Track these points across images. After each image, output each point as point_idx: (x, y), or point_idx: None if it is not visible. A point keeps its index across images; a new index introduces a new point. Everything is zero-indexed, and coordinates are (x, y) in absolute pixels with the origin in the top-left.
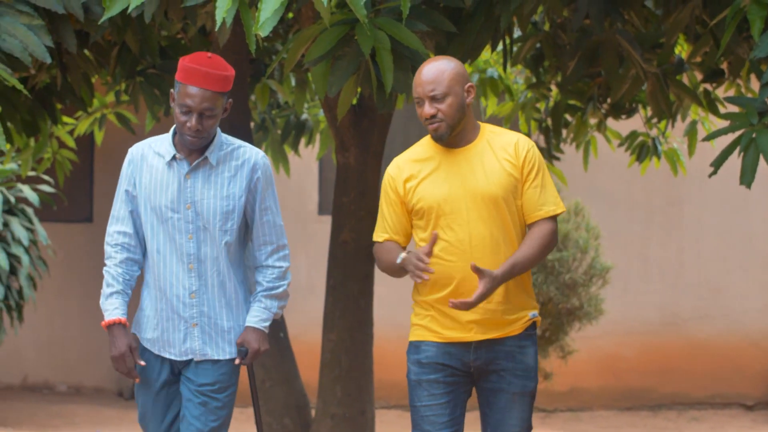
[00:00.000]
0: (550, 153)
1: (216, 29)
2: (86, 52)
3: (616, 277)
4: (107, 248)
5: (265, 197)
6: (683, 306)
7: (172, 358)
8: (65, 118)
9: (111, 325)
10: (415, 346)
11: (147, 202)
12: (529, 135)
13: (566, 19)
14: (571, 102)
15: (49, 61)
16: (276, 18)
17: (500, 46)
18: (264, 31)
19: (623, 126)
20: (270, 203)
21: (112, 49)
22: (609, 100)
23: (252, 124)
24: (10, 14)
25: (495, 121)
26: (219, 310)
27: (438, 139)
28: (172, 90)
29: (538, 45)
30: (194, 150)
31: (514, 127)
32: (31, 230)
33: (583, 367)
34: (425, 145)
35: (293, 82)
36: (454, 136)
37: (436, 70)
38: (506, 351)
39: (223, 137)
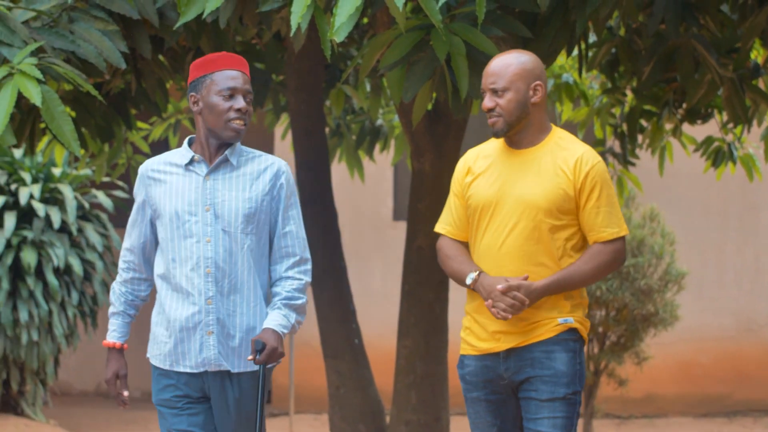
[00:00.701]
0: (625, 158)
1: (291, 35)
2: (161, 57)
3: (692, 282)
4: (119, 264)
5: (289, 206)
6: (759, 312)
7: (187, 371)
8: (140, 124)
9: (108, 348)
10: (460, 361)
11: (163, 211)
12: (604, 140)
13: (642, 23)
14: (647, 107)
15: (123, 66)
16: (351, 23)
17: (575, 52)
18: (339, 37)
19: (699, 131)
20: (293, 213)
21: (187, 55)
22: (684, 105)
23: (327, 130)
24: (85, 20)
25: (570, 126)
26: (235, 320)
27: (495, 134)
28: (192, 93)
29: (613, 50)
30: (214, 154)
31: (590, 132)
32: (105, 236)
33: (658, 373)
34: (494, 141)
35: (368, 88)
36: (515, 134)
37: (502, 63)
38: (533, 358)
39: (243, 146)
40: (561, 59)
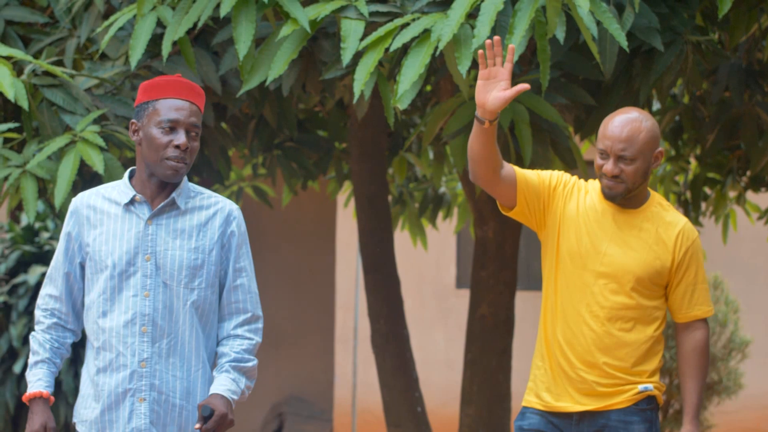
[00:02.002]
0: None
1: (354, 102)
2: (223, 125)
3: (756, 351)
4: (37, 312)
5: (240, 256)
6: None
7: None
8: None
9: (31, 399)
10: (521, 413)
11: (95, 255)
12: None
13: (705, 91)
14: (711, 175)
15: None
16: (414, 91)
17: None
18: (402, 104)
19: (762, 199)
20: (245, 264)
21: (250, 122)
22: (748, 173)
23: (390, 198)
24: None
25: None
26: (174, 385)
27: (610, 198)
28: (133, 120)
29: (677, 117)
30: (158, 193)
31: None
32: None
33: None
34: (596, 191)
35: (431, 156)
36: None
37: (632, 130)
38: (610, 426)
39: (190, 184)
40: None
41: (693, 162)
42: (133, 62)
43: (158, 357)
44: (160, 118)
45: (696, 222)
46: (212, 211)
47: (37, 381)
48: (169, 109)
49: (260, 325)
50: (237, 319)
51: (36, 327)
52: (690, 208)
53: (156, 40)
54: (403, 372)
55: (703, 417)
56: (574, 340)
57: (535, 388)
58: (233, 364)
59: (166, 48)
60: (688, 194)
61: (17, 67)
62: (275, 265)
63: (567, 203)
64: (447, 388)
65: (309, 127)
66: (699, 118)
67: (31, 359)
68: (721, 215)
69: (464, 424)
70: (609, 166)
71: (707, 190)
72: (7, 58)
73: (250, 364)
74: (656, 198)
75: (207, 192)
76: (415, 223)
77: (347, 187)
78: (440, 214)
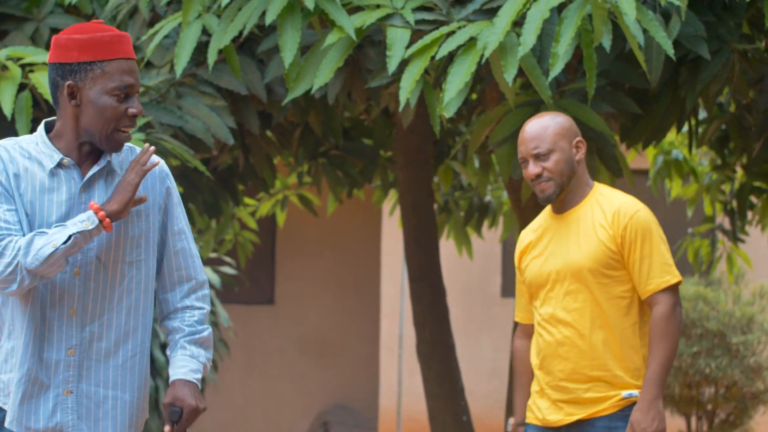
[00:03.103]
0: (735, 235)
1: (400, 110)
2: (269, 133)
3: None
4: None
5: (178, 216)
6: None
7: None
8: (247, 200)
9: None
10: (525, 429)
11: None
12: (714, 217)
13: (752, 100)
14: (757, 184)
15: (231, 142)
16: (460, 99)
17: (685, 128)
18: (448, 112)
19: None
20: (184, 225)
21: (295, 131)
22: None
23: (435, 206)
24: (193, 95)
25: (679, 203)
26: (106, 375)
27: (545, 200)
28: (71, 83)
29: (723, 126)
30: (86, 157)
31: (699, 209)
32: (212, 312)
33: None
34: (543, 211)
35: (477, 164)
36: (563, 198)
37: (539, 126)
38: None
39: None
40: (671, 135)
41: (739, 171)
42: (179, 70)
43: (88, 343)
44: (113, 84)
45: (742, 231)
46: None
47: None
48: (123, 73)
49: (207, 291)
50: (183, 289)
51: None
52: (736, 217)
53: (201, 48)
54: (448, 381)
55: (748, 426)
56: (552, 352)
57: (531, 404)
58: (189, 338)
59: (211, 56)
60: (734, 203)
61: None
62: (320, 274)
63: (523, 259)
64: (492, 397)
65: (354, 135)
66: (745, 126)
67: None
68: (767, 224)
69: None
70: (530, 168)
71: (753, 199)
72: None
73: (205, 333)
74: (598, 189)
75: (134, 147)
76: (461, 232)
77: (392, 196)
78: (486, 223)
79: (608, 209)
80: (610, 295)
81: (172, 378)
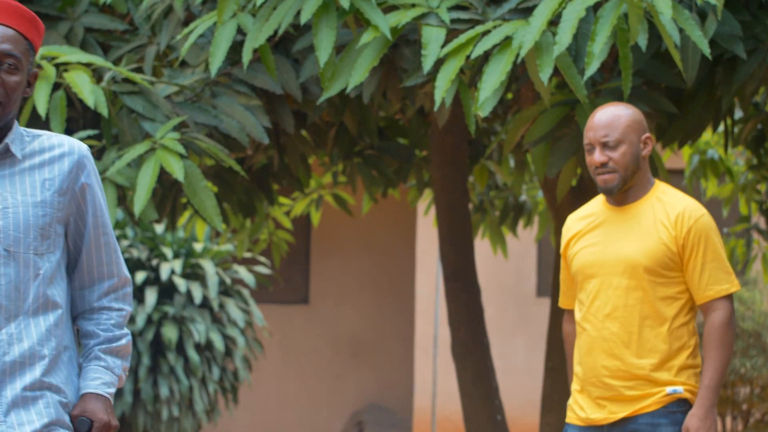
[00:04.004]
0: None
1: (435, 109)
2: (303, 132)
3: None
4: None
5: (99, 209)
6: None
7: None
8: (282, 199)
9: None
10: (564, 429)
11: None
12: (749, 217)
13: None
14: None
15: (266, 141)
16: (496, 98)
17: (721, 127)
18: (484, 111)
19: None
20: (105, 218)
21: (330, 130)
22: None
23: (470, 206)
24: (227, 95)
25: (715, 203)
26: (20, 380)
27: (607, 191)
28: None
29: (759, 126)
30: None
31: (735, 208)
32: (246, 312)
33: None
34: (595, 200)
35: (512, 163)
36: (624, 191)
37: (611, 115)
38: (638, 430)
39: (23, 129)
40: (706, 135)
41: None
42: (213, 69)
43: (7, 345)
44: None
45: None
46: (57, 153)
47: None
48: None
49: (129, 289)
50: (102, 287)
51: None
52: None
53: (236, 47)
54: (483, 380)
55: None
56: (596, 348)
57: (573, 403)
58: (104, 347)
59: (246, 55)
60: None
61: (97, 75)
62: (355, 273)
63: (574, 244)
64: (527, 397)
65: (389, 134)
66: None
67: None
68: None
69: None
70: (596, 155)
71: None
72: (87, 65)
73: (123, 341)
74: (660, 187)
75: (46, 133)
76: (496, 231)
77: (428, 195)
78: (521, 222)
79: (672, 210)
80: (664, 295)
81: (82, 390)
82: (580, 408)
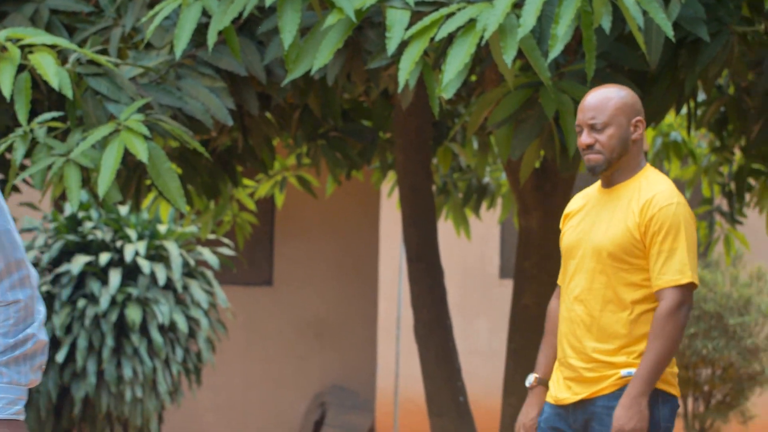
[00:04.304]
0: (732, 217)
1: (399, 91)
2: (268, 114)
3: None
4: None
5: None
6: None
7: None
8: (246, 181)
9: None
10: (543, 409)
11: None
12: (712, 199)
13: (751, 82)
14: (755, 166)
15: (230, 123)
16: (459, 80)
17: (684, 110)
18: (447, 93)
19: None
20: None
21: (294, 112)
22: None
23: (434, 188)
24: (192, 76)
25: (677, 184)
26: None
27: (591, 171)
28: None
29: (722, 109)
30: None
31: (697, 190)
32: (210, 293)
33: None
34: (597, 183)
35: (475, 145)
36: (611, 174)
37: (601, 97)
38: (596, 412)
39: None
40: (669, 117)
41: (737, 153)
42: (178, 51)
43: None
44: None
45: (740, 213)
46: None
47: None
48: None
49: (24, 272)
50: None
51: None
52: (734, 199)
53: (201, 30)
54: (445, 362)
55: (744, 408)
56: (566, 328)
57: (550, 381)
58: (5, 358)
59: (211, 37)
60: (732, 185)
61: (62, 56)
62: (319, 255)
63: (564, 224)
64: (490, 378)
65: (353, 116)
66: (744, 109)
67: None
68: (765, 206)
69: (507, 414)
70: (583, 137)
71: (752, 181)
72: (52, 47)
73: (29, 345)
74: (646, 172)
75: None
76: (459, 213)
77: (391, 177)
78: (484, 204)
79: (645, 196)
80: (628, 281)
81: None
82: (553, 387)
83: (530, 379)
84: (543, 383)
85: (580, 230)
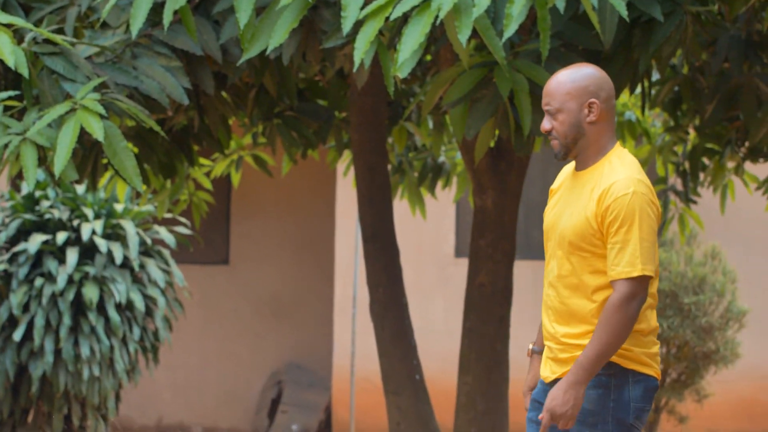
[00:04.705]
0: (687, 196)
1: (354, 71)
2: (223, 93)
3: (753, 320)
4: None
5: None
6: None
7: None
8: (202, 160)
9: None
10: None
11: None
12: (666, 178)
13: (705, 62)
14: (709, 145)
15: (186, 102)
16: (414, 59)
17: (638, 89)
18: (402, 73)
19: (761, 170)
20: None
21: (250, 91)
22: (747, 144)
23: (389, 167)
24: (148, 56)
25: None
26: None
27: (556, 157)
28: None
29: (676, 88)
30: None
31: (651, 170)
32: (167, 272)
33: (719, 410)
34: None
35: (431, 125)
36: (575, 157)
37: (555, 83)
38: None
39: None
40: (624, 97)
41: (692, 132)
42: (134, 31)
43: None
44: None
45: (694, 192)
46: None
47: None
48: None
49: None
50: None
51: None
52: (688, 178)
53: (157, 9)
54: (401, 340)
55: (699, 386)
56: (543, 311)
57: (542, 359)
58: None
59: (167, 17)
60: (687, 165)
61: (18, 35)
62: (275, 234)
63: (549, 202)
64: (445, 357)
65: (309, 96)
66: (698, 88)
67: None
68: (719, 186)
69: (462, 392)
70: (543, 122)
71: (706, 160)
72: (8, 26)
73: None
74: (612, 155)
75: None
76: (415, 192)
77: (347, 156)
78: (439, 183)
79: (603, 184)
80: (591, 269)
81: None
82: (542, 364)
83: (528, 348)
84: (537, 353)
85: (554, 213)
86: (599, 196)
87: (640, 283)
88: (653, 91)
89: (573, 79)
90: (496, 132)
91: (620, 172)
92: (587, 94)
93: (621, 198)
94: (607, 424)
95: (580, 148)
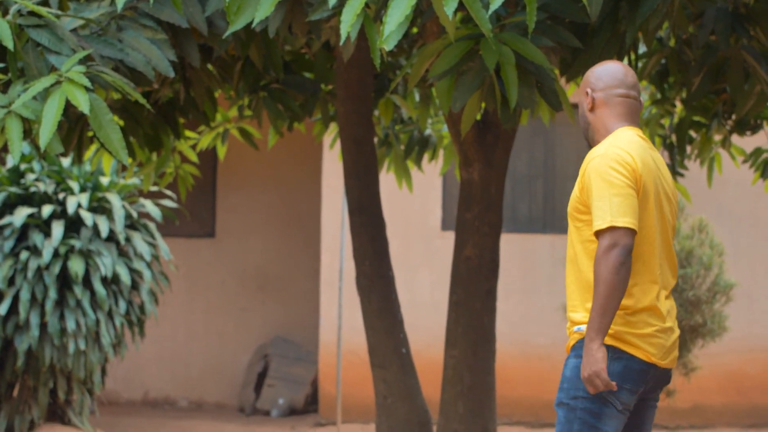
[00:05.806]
0: (674, 169)
1: (340, 44)
2: (209, 66)
3: (740, 294)
4: None
5: None
6: None
7: None
8: (188, 133)
9: None
10: None
11: None
12: None
13: (692, 35)
14: (696, 118)
15: (172, 75)
16: (401, 32)
17: (625, 62)
18: (389, 45)
19: (748, 142)
20: None
21: (236, 64)
22: (734, 117)
23: (375, 140)
24: (133, 28)
25: None
26: None
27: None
28: None
29: (663, 61)
30: None
31: None
32: (153, 245)
33: (706, 384)
34: None
35: (417, 97)
36: (595, 143)
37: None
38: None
39: None
40: None
41: (678, 105)
42: (120, 3)
43: None
44: None
45: (681, 165)
46: None
47: None
48: None
49: None
50: None
51: None
52: (675, 151)
53: None
54: (388, 314)
55: (687, 359)
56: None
57: None
58: None
59: None
60: (674, 137)
61: (2, 8)
62: (261, 207)
63: None
64: (432, 330)
65: (295, 68)
66: (685, 61)
67: None
68: (706, 159)
69: (449, 365)
70: None
71: (692, 133)
72: None
73: None
74: (609, 138)
75: None
76: (401, 165)
77: (333, 129)
78: (426, 156)
79: (587, 158)
80: (583, 238)
81: None
82: None
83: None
84: None
85: None
86: (581, 169)
87: (616, 233)
88: (640, 64)
89: (586, 74)
90: (483, 105)
91: (599, 146)
92: (585, 85)
93: (591, 162)
94: (579, 391)
95: (592, 135)
